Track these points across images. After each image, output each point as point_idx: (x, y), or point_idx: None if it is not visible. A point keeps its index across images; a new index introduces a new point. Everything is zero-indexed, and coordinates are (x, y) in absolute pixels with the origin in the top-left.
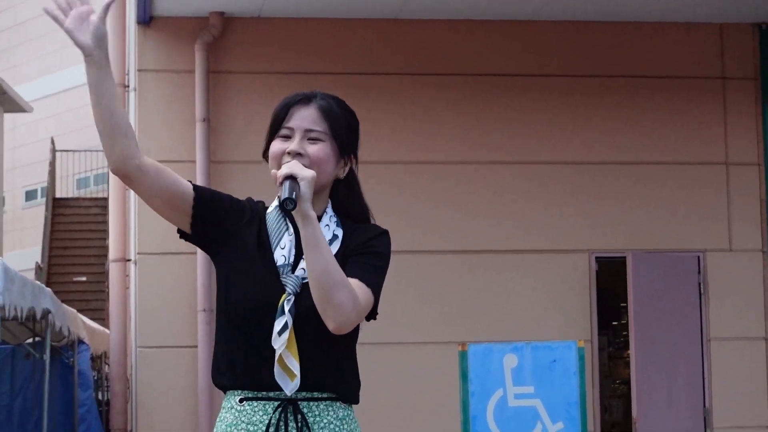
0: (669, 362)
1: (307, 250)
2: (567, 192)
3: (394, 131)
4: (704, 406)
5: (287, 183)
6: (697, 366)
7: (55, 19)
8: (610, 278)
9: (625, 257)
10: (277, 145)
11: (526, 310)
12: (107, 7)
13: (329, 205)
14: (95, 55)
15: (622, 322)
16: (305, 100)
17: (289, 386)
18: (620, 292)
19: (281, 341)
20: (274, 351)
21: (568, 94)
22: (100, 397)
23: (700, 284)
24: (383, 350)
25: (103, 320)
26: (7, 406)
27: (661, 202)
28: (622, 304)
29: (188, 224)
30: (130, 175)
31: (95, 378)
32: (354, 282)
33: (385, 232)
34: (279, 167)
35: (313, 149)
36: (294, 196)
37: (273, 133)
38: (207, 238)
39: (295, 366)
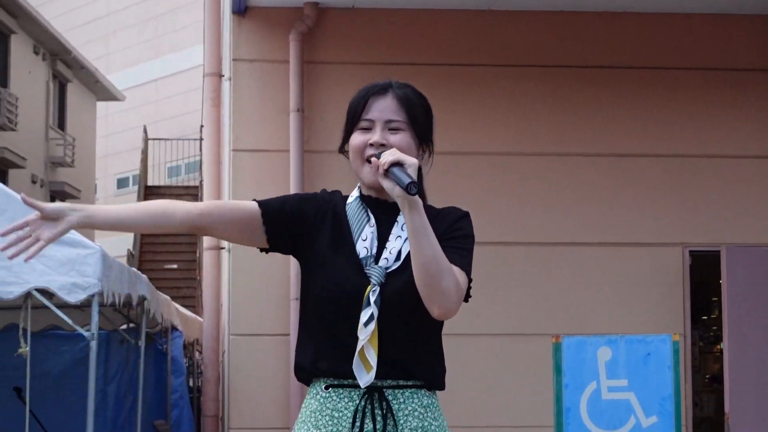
0: (762, 358)
1: (415, 237)
2: (661, 185)
3: (485, 122)
4: None
5: (395, 169)
6: None
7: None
8: (703, 272)
9: (719, 251)
10: (358, 138)
11: (619, 303)
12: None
13: None
14: (77, 219)
15: (712, 316)
16: (382, 90)
17: (365, 378)
18: (711, 286)
19: (367, 332)
20: (356, 343)
21: (660, 87)
22: (191, 383)
23: None
24: (477, 341)
25: (194, 308)
26: (102, 391)
27: (757, 196)
28: (712, 299)
29: (265, 242)
30: (199, 228)
31: (187, 365)
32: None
33: (467, 214)
34: (362, 160)
35: (395, 139)
36: (415, 179)
37: (351, 125)
38: (286, 247)
39: (373, 358)
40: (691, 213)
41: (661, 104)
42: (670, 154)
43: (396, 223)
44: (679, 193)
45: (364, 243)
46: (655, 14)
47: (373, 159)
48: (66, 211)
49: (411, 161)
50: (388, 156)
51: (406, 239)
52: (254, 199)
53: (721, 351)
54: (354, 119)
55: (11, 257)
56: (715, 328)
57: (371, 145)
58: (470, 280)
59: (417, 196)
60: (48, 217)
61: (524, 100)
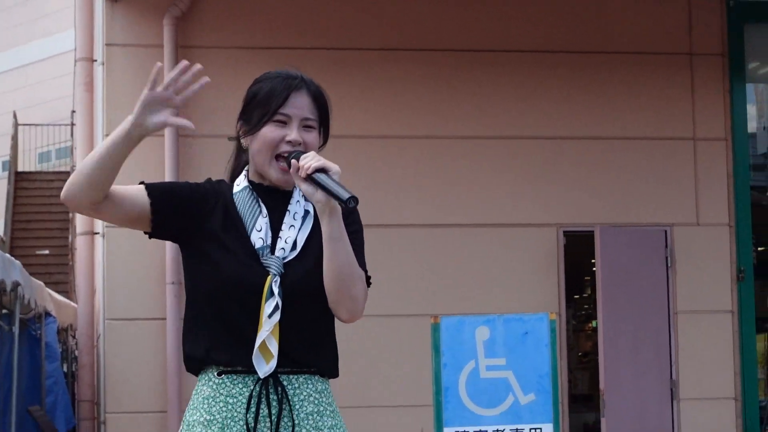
0: (636, 335)
1: (331, 243)
2: (536, 166)
3: (368, 106)
4: (671, 378)
5: (323, 176)
6: (664, 339)
7: (154, 82)
8: (577, 252)
9: (593, 231)
10: (274, 132)
11: (496, 283)
12: (182, 125)
13: None
14: (138, 132)
15: (584, 295)
16: (298, 86)
17: (264, 368)
18: (585, 265)
19: (271, 323)
20: (254, 334)
21: (536, 69)
22: (65, 369)
23: (667, 258)
24: (357, 322)
25: (67, 293)
26: None
27: (629, 177)
28: (585, 278)
29: (149, 227)
30: (80, 211)
31: (61, 350)
32: None
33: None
34: (272, 154)
35: (309, 138)
36: (350, 192)
37: (262, 115)
38: (171, 234)
39: (274, 348)
40: (565, 194)
41: (537, 87)
42: (544, 137)
43: (288, 212)
44: (554, 174)
45: (259, 233)
46: None
47: (293, 161)
48: (147, 131)
49: (335, 168)
50: (313, 161)
51: (300, 228)
52: (142, 182)
53: (593, 329)
54: (269, 110)
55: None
56: (587, 306)
57: (288, 142)
58: (369, 277)
59: (337, 204)
60: (156, 115)
61: (406, 84)
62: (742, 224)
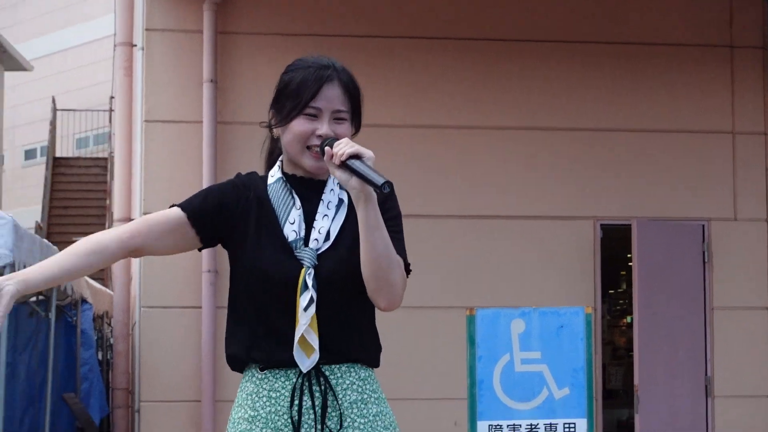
0: (671, 331)
1: (368, 231)
2: (574, 159)
3: (402, 95)
4: (706, 374)
5: (358, 163)
6: (700, 335)
7: None
8: (614, 245)
9: (630, 225)
10: (304, 125)
11: (532, 275)
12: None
13: None
14: (15, 290)
15: (619, 290)
16: (330, 77)
17: (306, 363)
18: (620, 259)
19: (308, 317)
20: (292, 329)
21: (574, 61)
22: (100, 356)
23: (704, 253)
24: (392, 314)
25: (102, 280)
26: (11, 363)
27: (667, 171)
28: (621, 272)
29: (199, 243)
30: (135, 251)
31: (96, 338)
32: None
33: (391, 190)
34: (303, 146)
35: (340, 130)
36: (385, 177)
37: (294, 107)
38: (218, 241)
39: (315, 341)
40: (603, 187)
41: (575, 78)
42: (582, 128)
43: (321, 201)
44: (591, 167)
45: (292, 226)
46: None
47: (327, 148)
48: (1, 283)
49: (369, 154)
50: (346, 147)
51: (333, 218)
52: (174, 204)
53: (627, 324)
54: (300, 103)
55: None
56: (622, 301)
57: (319, 136)
58: (408, 264)
59: (373, 192)
60: None
61: (442, 73)
62: None
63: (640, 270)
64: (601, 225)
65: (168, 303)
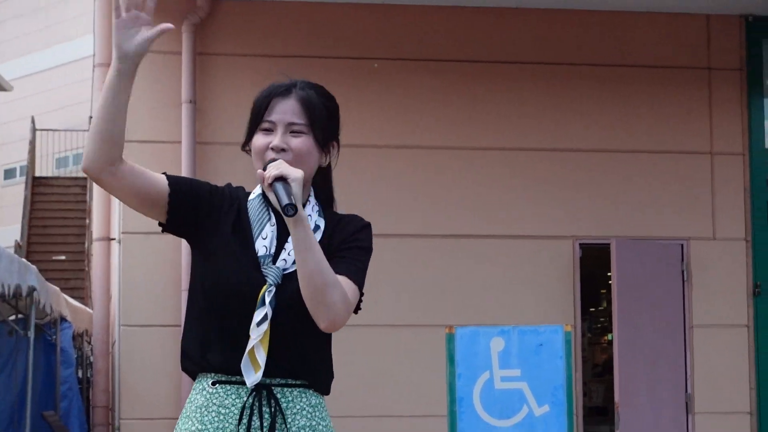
0: (651, 348)
1: (299, 251)
2: (553, 179)
3: (381, 116)
4: (686, 391)
5: (278, 185)
6: (680, 352)
7: (118, 9)
8: (594, 264)
9: (609, 244)
10: (260, 140)
11: (511, 294)
12: (161, 32)
13: (312, 194)
14: (127, 64)
15: (600, 308)
16: (285, 91)
17: (252, 377)
18: (600, 278)
19: (259, 332)
20: (247, 340)
21: (552, 82)
22: (80, 375)
23: (683, 272)
24: (371, 332)
25: (83, 299)
26: None
27: (646, 190)
28: (601, 290)
29: (164, 218)
30: (101, 180)
31: (76, 356)
32: (342, 279)
33: (368, 225)
34: (263, 161)
35: (296, 143)
36: (293, 201)
37: (254, 125)
38: (185, 228)
39: (262, 359)
40: (582, 206)
41: (552, 99)
42: (562, 148)
43: None
44: (570, 187)
45: (264, 241)
46: (552, 10)
47: (259, 171)
48: (136, 57)
49: (295, 175)
50: (273, 170)
51: None
52: (164, 173)
53: (608, 342)
54: (256, 119)
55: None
56: (602, 319)
57: (272, 148)
58: (362, 294)
59: (303, 211)
60: (133, 38)
61: (421, 94)
62: (758, 239)
63: (619, 289)
64: (580, 244)
65: (147, 321)
